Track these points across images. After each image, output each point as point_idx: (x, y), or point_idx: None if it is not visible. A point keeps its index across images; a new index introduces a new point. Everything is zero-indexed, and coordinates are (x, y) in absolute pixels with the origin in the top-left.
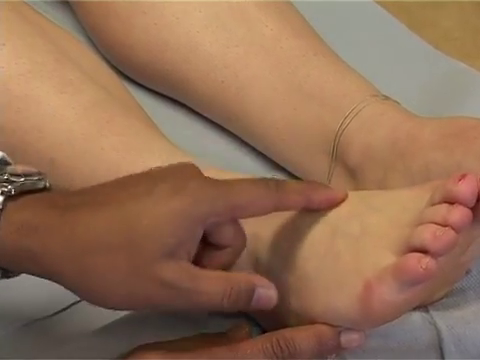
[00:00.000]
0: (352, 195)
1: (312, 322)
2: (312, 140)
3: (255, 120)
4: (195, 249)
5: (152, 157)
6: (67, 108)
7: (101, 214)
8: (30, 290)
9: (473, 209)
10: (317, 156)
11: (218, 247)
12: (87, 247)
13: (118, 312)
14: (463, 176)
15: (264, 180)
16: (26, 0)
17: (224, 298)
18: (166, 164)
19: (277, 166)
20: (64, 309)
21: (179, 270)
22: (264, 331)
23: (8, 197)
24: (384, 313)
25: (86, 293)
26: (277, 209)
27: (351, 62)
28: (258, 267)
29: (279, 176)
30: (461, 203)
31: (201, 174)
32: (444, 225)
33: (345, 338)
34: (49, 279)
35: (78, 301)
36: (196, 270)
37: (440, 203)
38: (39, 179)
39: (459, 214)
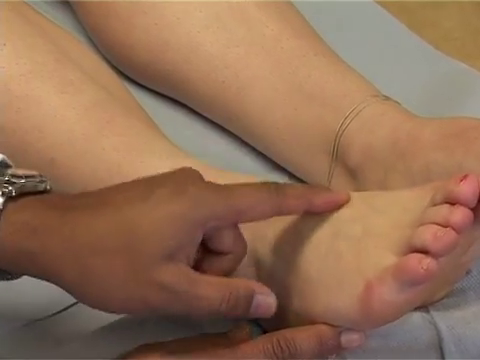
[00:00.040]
0: (353, 197)
1: (313, 322)
2: (313, 140)
3: (256, 120)
4: (194, 253)
5: (153, 157)
6: (68, 108)
7: (101, 216)
8: (30, 290)
9: (474, 210)
10: (318, 156)
11: (218, 254)
12: (87, 249)
13: None
14: (464, 177)
15: (265, 184)
16: (26, 0)
17: (222, 303)
18: (166, 164)
19: (277, 166)
20: (64, 309)
21: (178, 273)
22: (265, 331)
23: (8, 198)
24: (384, 313)
25: (84, 295)
26: (278, 213)
27: (351, 62)
28: (260, 270)
29: (279, 177)
30: (462, 204)
31: (201, 178)
32: (445, 226)
33: (345, 338)
34: (48, 281)
35: (78, 301)
36: (195, 274)
37: (441, 204)
38: (40, 181)
39: (460, 215)
